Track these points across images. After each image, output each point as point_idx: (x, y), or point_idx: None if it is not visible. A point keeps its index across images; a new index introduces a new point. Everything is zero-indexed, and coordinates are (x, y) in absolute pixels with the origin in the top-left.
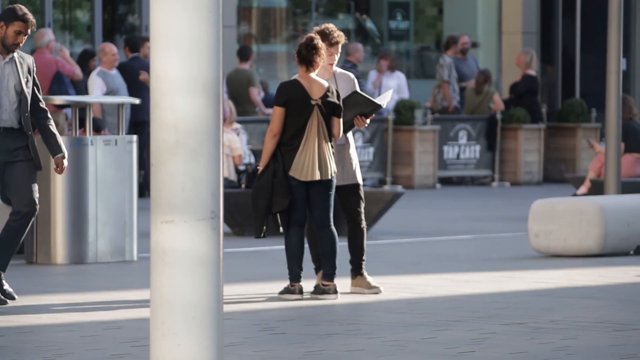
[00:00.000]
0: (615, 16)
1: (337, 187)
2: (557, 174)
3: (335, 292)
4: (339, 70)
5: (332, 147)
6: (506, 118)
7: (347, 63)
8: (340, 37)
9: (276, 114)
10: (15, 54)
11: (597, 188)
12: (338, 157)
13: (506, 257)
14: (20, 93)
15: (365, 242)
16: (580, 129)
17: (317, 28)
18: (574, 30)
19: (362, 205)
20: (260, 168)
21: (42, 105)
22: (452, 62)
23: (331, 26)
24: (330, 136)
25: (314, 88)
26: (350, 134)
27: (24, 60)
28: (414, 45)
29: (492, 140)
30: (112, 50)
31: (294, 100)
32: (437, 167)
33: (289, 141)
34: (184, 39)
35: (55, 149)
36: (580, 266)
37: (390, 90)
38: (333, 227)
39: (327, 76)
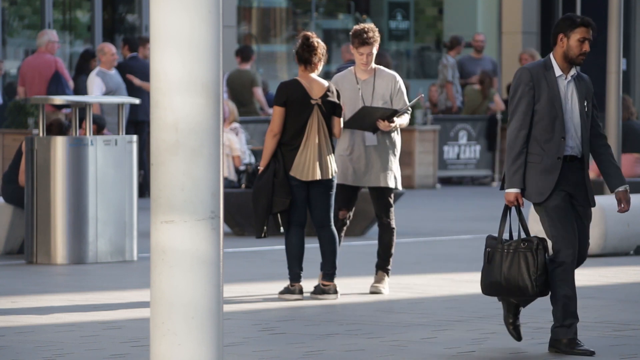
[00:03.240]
0: (615, 16)
1: (365, 188)
2: None
3: (335, 292)
4: (381, 68)
5: (332, 146)
6: (506, 118)
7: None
8: (371, 38)
9: (276, 113)
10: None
11: (597, 188)
12: (367, 159)
13: None
14: (581, 117)
15: (394, 243)
16: None
17: (356, 27)
18: None
19: (392, 208)
20: (261, 168)
21: (601, 131)
22: (455, 62)
23: (368, 26)
24: (331, 136)
25: (314, 87)
26: (395, 137)
27: (582, 78)
28: (414, 45)
29: (492, 140)
30: (111, 50)
31: (294, 100)
32: (437, 167)
33: (290, 141)
34: (184, 39)
35: (616, 182)
36: (581, 266)
37: (420, 95)
38: (333, 227)
39: (366, 76)
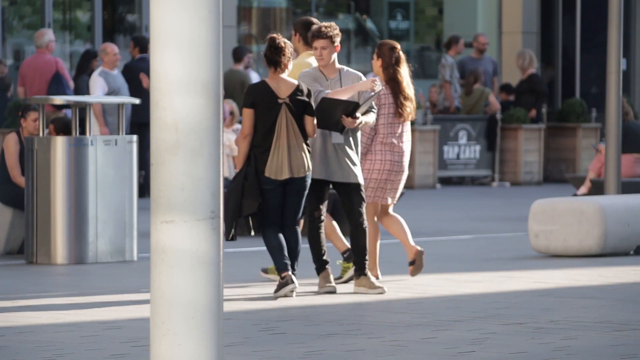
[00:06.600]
0: (615, 16)
1: (336, 184)
2: (557, 174)
3: (293, 281)
4: (346, 68)
5: (307, 145)
6: (506, 118)
7: None
8: (325, 33)
9: (246, 115)
10: None
11: (597, 188)
12: (335, 156)
13: (506, 257)
14: None
15: (368, 242)
16: (580, 129)
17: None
18: (574, 30)
19: (364, 205)
20: (237, 170)
21: None
22: (454, 62)
23: (327, 23)
24: (304, 134)
25: (281, 87)
26: (359, 136)
27: None
28: (414, 45)
29: (492, 140)
30: (113, 50)
31: (262, 101)
32: (437, 167)
33: (261, 142)
34: (184, 39)
35: None
36: (580, 266)
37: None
38: (297, 228)
39: (333, 75)
